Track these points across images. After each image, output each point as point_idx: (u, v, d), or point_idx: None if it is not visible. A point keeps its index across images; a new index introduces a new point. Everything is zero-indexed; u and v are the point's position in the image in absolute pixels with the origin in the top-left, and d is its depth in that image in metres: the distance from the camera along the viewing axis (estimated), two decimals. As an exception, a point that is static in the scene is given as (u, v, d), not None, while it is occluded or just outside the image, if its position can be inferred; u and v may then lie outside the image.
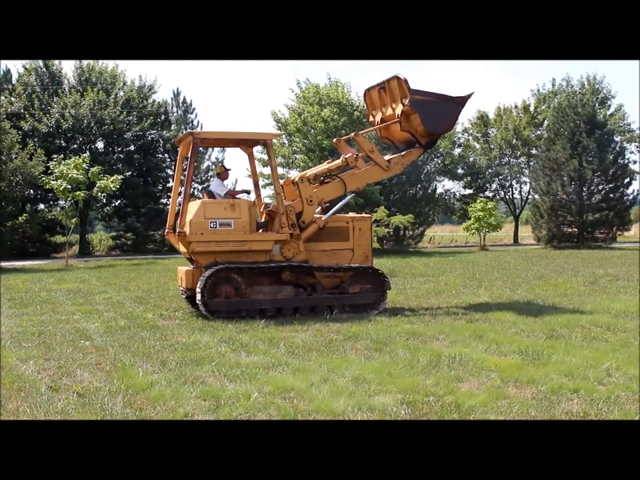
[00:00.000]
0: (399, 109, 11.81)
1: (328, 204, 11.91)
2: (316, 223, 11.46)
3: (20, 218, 29.23)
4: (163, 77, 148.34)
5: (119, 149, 40.22)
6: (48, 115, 37.35)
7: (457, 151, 54.43)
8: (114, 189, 27.21)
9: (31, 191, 34.96)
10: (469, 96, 12.02)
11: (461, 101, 12.41)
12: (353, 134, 12.18)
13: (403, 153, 12.21)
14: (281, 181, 12.40)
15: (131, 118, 39.48)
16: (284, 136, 34.45)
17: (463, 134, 56.62)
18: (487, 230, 36.98)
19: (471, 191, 52.72)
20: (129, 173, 38.00)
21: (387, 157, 12.20)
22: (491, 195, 52.07)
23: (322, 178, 12.05)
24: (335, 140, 12.65)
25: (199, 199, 11.82)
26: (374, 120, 12.72)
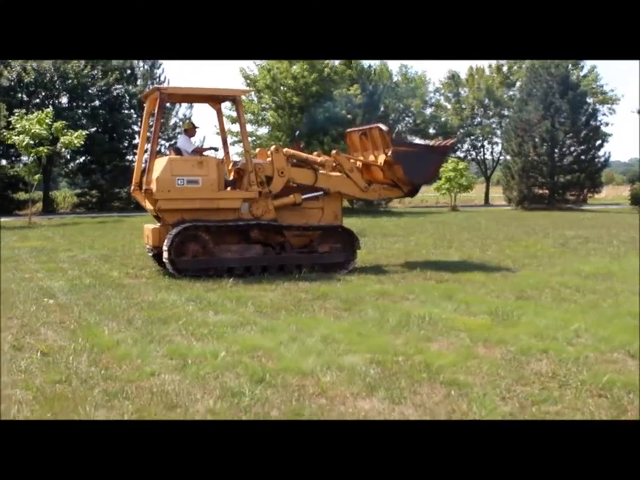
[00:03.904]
0: (381, 158, 11.74)
1: (296, 185, 11.56)
2: (294, 197, 11.28)
3: (-19, 174, 28.58)
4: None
5: (84, 104, 39.37)
6: (9, 68, 36.35)
7: (429, 110, 54.28)
8: (78, 144, 26.75)
9: (-7, 147, 34.22)
10: (452, 145, 11.98)
11: (443, 151, 12.76)
12: (334, 152, 12.01)
13: (385, 185, 12.14)
14: (255, 150, 12.17)
15: (96, 72, 38.59)
16: (253, 93, 33.95)
17: (434, 93, 56.44)
18: (457, 190, 37.10)
19: (441, 151, 52.74)
20: (93, 129, 37.35)
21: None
22: (462, 155, 52.19)
23: (295, 160, 11.80)
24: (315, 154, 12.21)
25: (166, 155, 11.57)
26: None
